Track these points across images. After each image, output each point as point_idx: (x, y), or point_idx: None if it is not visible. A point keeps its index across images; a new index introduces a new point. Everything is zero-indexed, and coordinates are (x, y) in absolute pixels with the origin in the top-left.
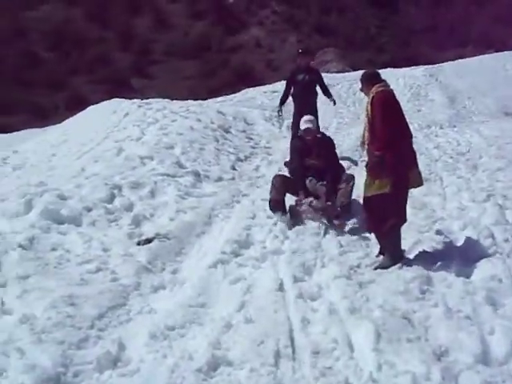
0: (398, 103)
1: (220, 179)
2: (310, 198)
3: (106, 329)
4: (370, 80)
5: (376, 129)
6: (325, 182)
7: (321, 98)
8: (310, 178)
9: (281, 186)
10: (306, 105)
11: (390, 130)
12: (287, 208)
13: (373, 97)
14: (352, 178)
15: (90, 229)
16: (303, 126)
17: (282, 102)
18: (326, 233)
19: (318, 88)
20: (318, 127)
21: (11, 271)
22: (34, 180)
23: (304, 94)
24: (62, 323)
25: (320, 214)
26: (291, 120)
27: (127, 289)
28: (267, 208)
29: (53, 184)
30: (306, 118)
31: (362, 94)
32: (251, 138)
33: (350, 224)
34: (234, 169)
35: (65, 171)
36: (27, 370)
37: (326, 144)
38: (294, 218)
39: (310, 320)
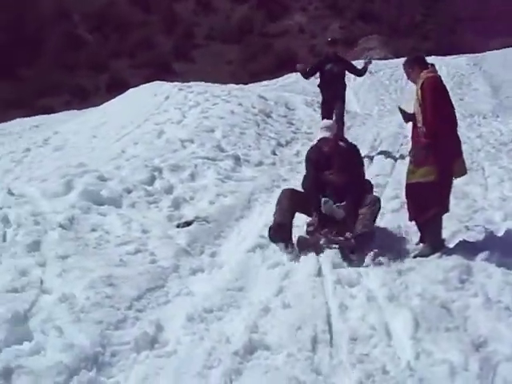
0: (446, 90)
1: (260, 164)
2: (325, 229)
3: (144, 310)
4: (420, 64)
5: (426, 115)
6: (344, 203)
7: (363, 85)
8: (325, 199)
9: (288, 205)
10: (333, 96)
11: (440, 117)
12: (295, 238)
13: (423, 82)
14: (377, 201)
15: (129, 210)
16: (319, 134)
17: (301, 71)
18: None
19: (346, 79)
20: (342, 129)
21: (51, 251)
22: (75, 161)
23: (331, 85)
24: (101, 303)
25: (335, 246)
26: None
27: (166, 271)
28: None
29: (93, 165)
30: (322, 124)
31: (404, 82)
32: (292, 123)
33: (371, 258)
34: (274, 154)
35: (105, 153)
36: (65, 349)
37: (350, 154)
38: (304, 252)
39: (348, 306)
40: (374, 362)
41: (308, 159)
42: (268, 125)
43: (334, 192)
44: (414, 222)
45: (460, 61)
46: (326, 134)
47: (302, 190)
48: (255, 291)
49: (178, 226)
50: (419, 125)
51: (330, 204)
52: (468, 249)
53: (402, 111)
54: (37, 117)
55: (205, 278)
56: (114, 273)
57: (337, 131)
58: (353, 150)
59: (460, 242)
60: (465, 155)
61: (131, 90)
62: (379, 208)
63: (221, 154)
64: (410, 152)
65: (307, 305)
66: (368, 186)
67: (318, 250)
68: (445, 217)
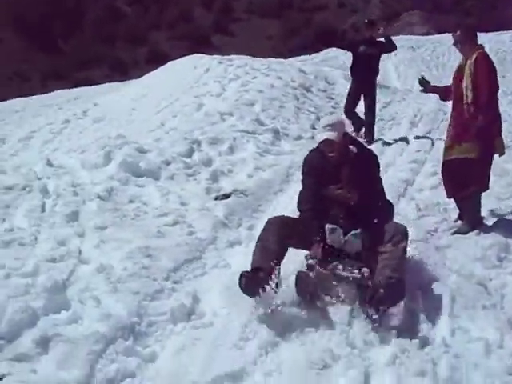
0: (495, 67)
1: (299, 138)
2: (332, 263)
3: (181, 281)
4: (473, 38)
5: (479, 91)
6: (359, 231)
7: (403, 61)
8: (331, 227)
9: (276, 240)
10: (363, 81)
11: (493, 93)
12: (291, 275)
13: (476, 57)
14: (404, 232)
15: (168, 182)
16: (322, 133)
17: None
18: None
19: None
20: (373, 118)
21: (89, 221)
22: (114, 133)
23: (363, 69)
24: (138, 274)
25: (352, 292)
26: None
27: (203, 243)
28: None
29: (132, 137)
30: (325, 120)
31: (446, 58)
32: (332, 98)
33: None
34: (313, 128)
35: (144, 125)
36: (102, 319)
37: (364, 162)
38: (304, 296)
39: None
40: (410, 337)
41: (306, 168)
42: (307, 99)
43: (342, 215)
44: (452, 199)
45: (503, 37)
46: (330, 134)
47: (296, 216)
48: (291, 264)
49: (216, 199)
50: (467, 100)
51: (339, 232)
52: (507, 227)
53: (424, 81)
54: (76, 89)
55: (242, 250)
56: (152, 244)
57: (361, 124)
58: (368, 156)
59: (499, 219)
60: (505, 132)
61: (171, 62)
62: (407, 242)
63: (260, 128)
64: (448, 128)
65: None
66: (388, 208)
67: (324, 290)
68: (484, 194)
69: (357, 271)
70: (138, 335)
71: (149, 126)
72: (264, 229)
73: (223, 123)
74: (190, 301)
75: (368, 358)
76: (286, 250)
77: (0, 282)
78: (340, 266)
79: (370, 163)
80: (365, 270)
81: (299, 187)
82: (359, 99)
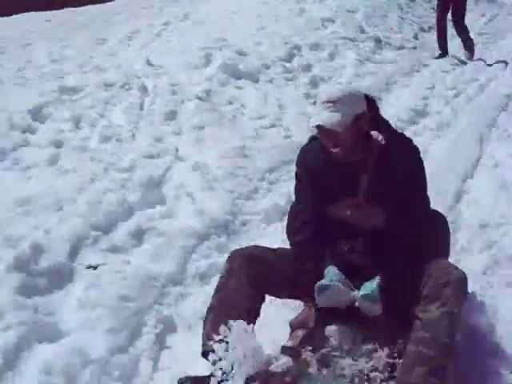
0: None
1: (401, 47)
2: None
3: (276, 182)
4: None
5: None
6: (379, 280)
7: None
8: (320, 284)
9: (244, 289)
10: None
11: None
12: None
13: None
14: (461, 282)
15: (266, 85)
16: (316, 116)
17: None
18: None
19: None
20: (467, 34)
21: (187, 121)
22: (214, 35)
23: None
24: (234, 173)
25: None
26: None
27: (300, 145)
28: (447, 78)
29: (232, 40)
30: (325, 95)
31: None
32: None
33: None
34: (416, 38)
35: (245, 28)
36: (196, 215)
37: (397, 161)
38: None
39: (479, 195)
40: (502, 248)
41: (300, 171)
42: (411, 9)
43: (356, 251)
44: None
45: None
46: (330, 118)
47: (283, 246)
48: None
49: (314, 104)
50: None
51: (338, 288)
52: None
53: None
54: None
55: None
56: (248, 145)
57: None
58: (403, 148)
59: None
60: None
61: None
62: (466, 297)
63: (361, 36)
64: None
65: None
66: (438, 237)
67: None
68: None
69: (368, 359)
70: (231, 233)
71: (249, 30)
72: (225, 269)
73: (324, 30)
74: (284, 202)
75: None
76: (261, 303)
77: (98, 176)
78: (339, 354)
79: (408, 160)
80: (381, 356)
81: (402, 94)
82: (449, 7)
